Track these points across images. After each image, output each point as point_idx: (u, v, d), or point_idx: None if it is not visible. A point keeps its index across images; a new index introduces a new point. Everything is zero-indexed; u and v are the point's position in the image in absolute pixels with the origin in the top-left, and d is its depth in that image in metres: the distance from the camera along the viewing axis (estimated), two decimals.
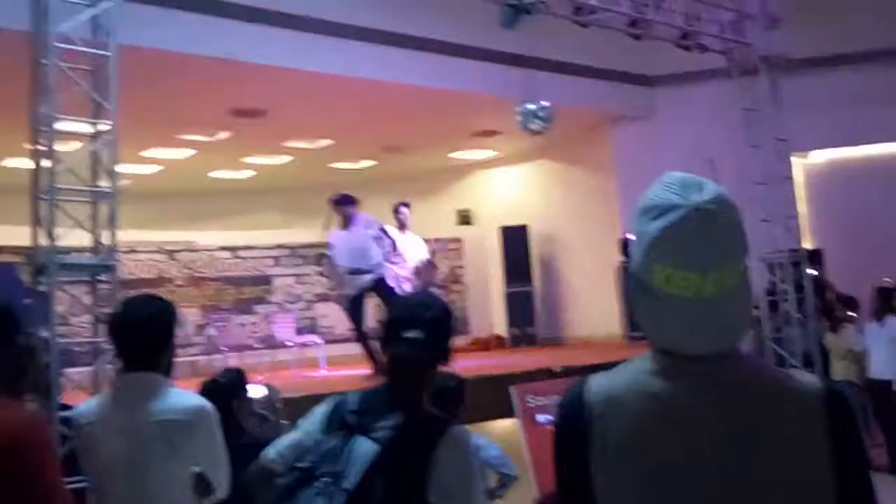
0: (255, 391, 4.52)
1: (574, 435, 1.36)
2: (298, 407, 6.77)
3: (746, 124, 8.96)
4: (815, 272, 8.86)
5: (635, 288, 1.37)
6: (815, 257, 9.58)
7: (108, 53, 4.95)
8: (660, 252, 1.30)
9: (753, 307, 8.33)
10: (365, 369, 8.20)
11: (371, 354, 8.07)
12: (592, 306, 13.21)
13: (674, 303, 1.30)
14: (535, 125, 8.97)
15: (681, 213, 1.28)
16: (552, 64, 11.04)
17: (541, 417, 6.58)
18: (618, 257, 12.21)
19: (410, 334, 2.08)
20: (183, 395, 2.65)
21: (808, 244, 10.06)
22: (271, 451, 2.16)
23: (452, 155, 14.37)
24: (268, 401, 4.69)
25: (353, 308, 8.51)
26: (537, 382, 7.24)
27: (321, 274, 8.78)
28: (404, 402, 2.08)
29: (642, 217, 1.34)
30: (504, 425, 7.08)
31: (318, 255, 10.28)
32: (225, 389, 4.13)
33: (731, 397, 1.31)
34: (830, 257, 10.56)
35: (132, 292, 10.89)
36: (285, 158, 13.60)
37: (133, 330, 2.63)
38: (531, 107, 8.95)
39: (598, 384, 1.38)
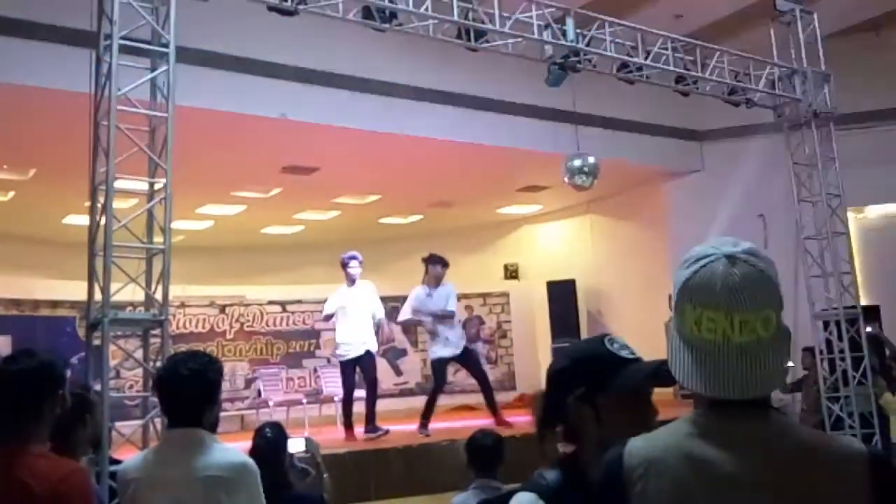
0: (295, 445, 4.53)
1: (614, 497, 1.38)
2: (343, 462, 6.78)
3: (798, 179, 8.86)
4: (871, 329, 8.61)
5: (672, 338, 1.43)
6: (871, 314, 9.33)
7: (166, 115, 5.11)
8: (690, 293, 1.37)
9: (803, 369, 8.11)
10: (409, 424, 8.33)
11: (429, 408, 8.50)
12: None
13: (704, 348, 1.35)
14: (581, 180, 8.99)
15: (711, 259, 1.37)
16: (599, 119, 11.10)
17: None
18: (667, 313, 12.04)
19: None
20: (227, 452, 2.67)
21: (863, 300, 9.81)
22: None
23: (500, 210, 14.44)
24: (309, 455, 4.69)
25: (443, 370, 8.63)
26: None
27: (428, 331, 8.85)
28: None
29: (680, 268, 1.42)
30: None
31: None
32: (272, 444, 4.16)
33: (777, 463, 1.31)
34: (887, 314, 10.28)
35: (184, 346, 11.09)
36: (334, 213, 13.79)
37: (177, 387, 2.67)
38: (577, 162, 8.98)
39: (637, 446, 1.40)
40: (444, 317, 8.77)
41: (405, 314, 9.04)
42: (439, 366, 8.68)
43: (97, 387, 4.41)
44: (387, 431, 8.23)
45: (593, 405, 1.71)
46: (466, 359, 8.95)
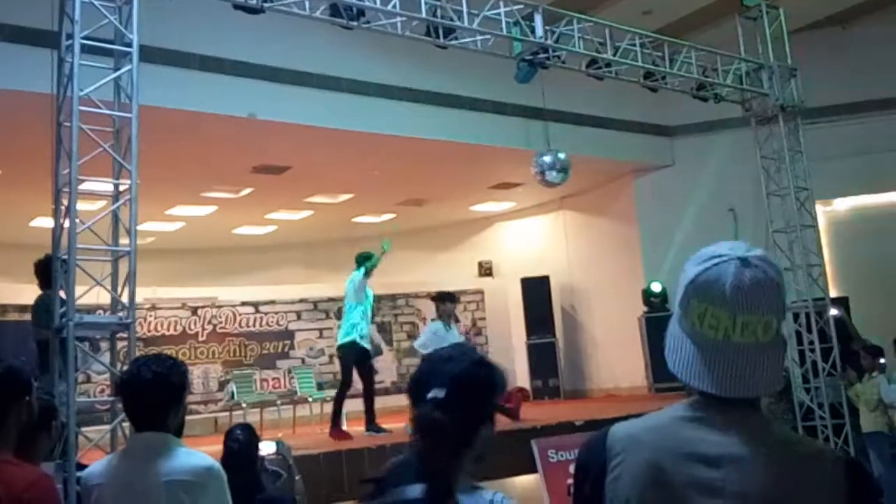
0: (266, 448, 4.50)
1: (593, 471, 1.43)
2: (317, 463, 6.75)
3: (766, 173, 8.95)
4: (837, 312, 8.70)
5: (672, 329, 1.46)
6: (840, 306, 9.44)
7: (130, 115, 5.05)
8: (698, 289, 1.39)
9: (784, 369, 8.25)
10: (386, 423, 8.32)
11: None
12: (616, 358, 13.08)
13: (703, 343, 1.38)
14: (552, 177, 9.01)
15: (724, 259, 1.39)
16: (570, 115, 11.14)
17: (563, 473, 6.47)
18: (641, 307, 12.12)
19: (432, 394, 1.83)
20: (192, 455, 2.63)
21: (833, 292, 9.93)
22: None
23: (473, 207, 14.44)
24: (280, 457, 4.65)
25: None
26: (559, 437, 7.14)
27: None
28: (429, 471, 1.83)
29: (689, 263, 1.44)
30: (526, 481, 6.97)
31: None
32: (243, 447, 4.12)
33: (750, 453, 1.33)
34: (856, 305, 10.41)
35: (155, 349, 10.97)
36: (306, 213, 13.73)
37: (140, 391, 2.63)
38: (547, 159, 9.00)
39: (621, 426, 1.45)
40: None
41: (426, 347, 8.97)
42: None
43: (62, 392, 4.34)
44: (390, 431, 8.27)
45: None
46: None
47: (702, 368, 1.38)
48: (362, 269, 8.57)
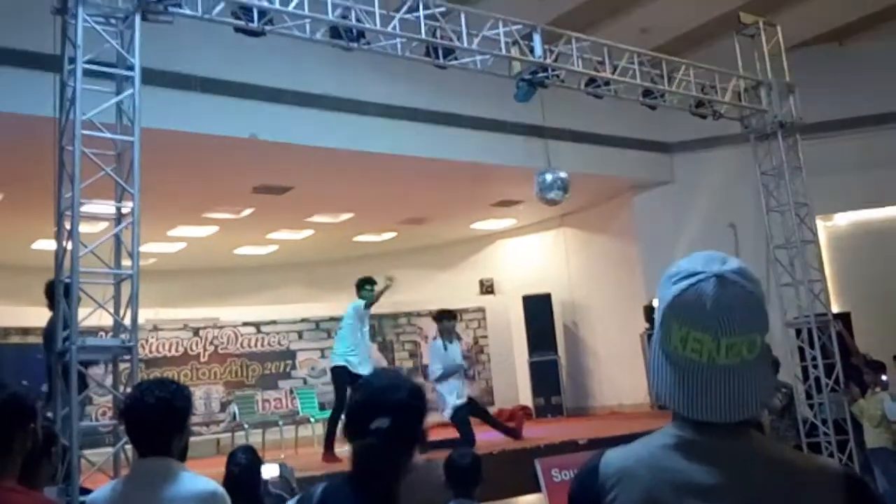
0: (269, 470, 4.48)
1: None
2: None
3: (766, 189, 8.97)
4: (839, 333, 8.67)
5: (655, 353, 1.41)
6: (841, 321, 9.42)
7: (132, 139, 5.07)
8: (677, 312, 1.33)
9: (781, 385, 8.12)
10: None
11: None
12: (619, 375, 13.04)
13: (688, 368, 1.33)
14: (553, 195, 9.03)
15: (701, 278, 1.33)
16: (569, 133, 11.18)
17: (567, 492, 6.43)
18: (642, 324, 12.10)
19: (376, 424, 1.87)
20: (195, 480, 2.62)
21: (834, 308, 9.92)
22: None
23: (474, 225, 14.46)
24: (283, 480, 4.64)
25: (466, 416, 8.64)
26: (563, 456, 7.12)
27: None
28: (370, 499, 1.87)
29: (666, 282, 1.38)
30: (530, 501, 6.94)
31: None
32: (246, 470, 4.11)
33: (747, 479, 1.30)
34: (858, 321, 10.40)
35: (157, 370, 10.91)
36: (307, 232, 13.75)
37: (143, 416, 2.62)
38: (548, 177, 9.02)
39: (614, 456, 1.40)
40: (458, 370, 8.92)
41: (437, 373, 8.95)
42: (462, 415, 8.61)
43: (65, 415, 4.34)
44: None
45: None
46: (469, 401, 9.06)
47: (689, 395, 1.33)
48: (363, 302, 8.61)
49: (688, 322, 1.32)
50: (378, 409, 1.89)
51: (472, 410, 8.85)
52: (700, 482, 1.29)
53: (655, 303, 1.44)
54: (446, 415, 8.56)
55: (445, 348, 8.89)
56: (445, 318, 9.17)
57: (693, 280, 1.33)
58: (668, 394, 1.37)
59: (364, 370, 8.30)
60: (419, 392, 2.00)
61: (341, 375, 8.37)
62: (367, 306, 8.61)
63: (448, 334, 9.03)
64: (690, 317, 1.32)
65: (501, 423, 9.21)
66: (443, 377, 8.69)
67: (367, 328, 8.82)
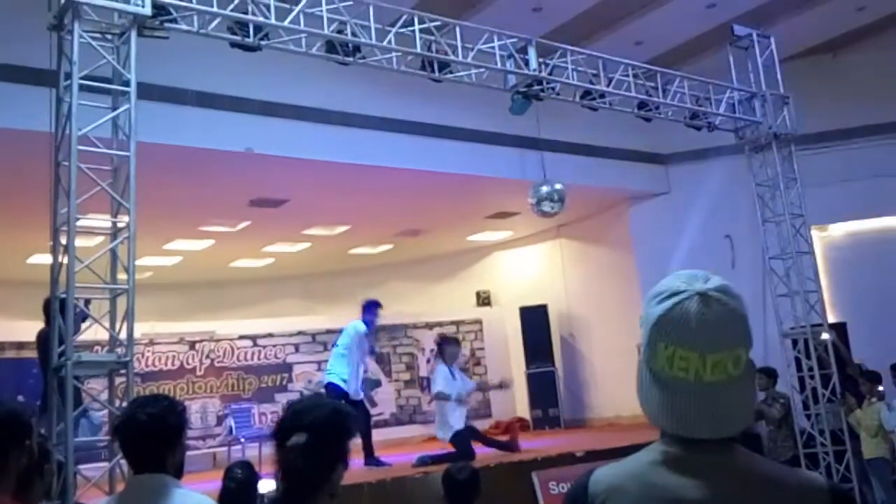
0: (267, 485, 4.46)
1: None
2: None
3: (762, 200, 9.00)
4: (833, 343, 8.65)
5: (642, 373, 1.43)
6: (838, 331, 9.44)
7: (128, 154, 5.07)
8: (662, 330, 1.36)
9: (778, 396, 8.12)
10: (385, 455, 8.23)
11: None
12: (616, 386, 13.00)
13: (675, 387, 1.35)
14: (548, 207, 9.04)
15: (684, 296, 1.36)
16: (565, 145, 11.21)
17: None
18: (639, 336, 12.08)
19: (293, 440, 2.05)
20: (189, 497, 2.61)
21: (830, 318, 9.93)
22: None
23: (470, 237, 14.47)
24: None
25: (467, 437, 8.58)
26: (560, 468, 7.10)
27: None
28: None
29: (650, 302, 1.41)
30: None
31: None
32: (243, 485, 4.10)
33: (733, 494, 1.32)
34: (854, 331, 10.40)
35: (153, 384, 10.86)
36: (304, 245, 13.75)
37: (136, 433, 2.61)
38: (544, 189, 9.03)
39: (603, 474, 1.42)
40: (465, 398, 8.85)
41: (444, 395, 8.92)
42: (462, 438, 8.56)
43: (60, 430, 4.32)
44: (390, 464, 8.18)
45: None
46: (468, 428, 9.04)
47: (677, 413, 1.36)
48: (364, 329, 8.58)
49: (674, 341, 1.35)
50: (296, 427, 2.06)
51: (472, 434, 8.80)
52: (688, 497, 1.32)
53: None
54: (441, 436, 8.52)
55: (454, 376, 8.75)
56: (449, 344, 9.05)
57: (676, 299, 1.36)
58: (655, 412, 1.40)
59: (356, 397, 8.37)
60: (341, 413, 2.16)
61: (337, 393, 8.37)
62: (368, 333, 8.61)
63: (452, 360, 8.88)
64: (676, 335, 1.35)
65: (497, 441, 9.11)
66: (450, 401, 8.61)
67: (366, 357, 8.78)
